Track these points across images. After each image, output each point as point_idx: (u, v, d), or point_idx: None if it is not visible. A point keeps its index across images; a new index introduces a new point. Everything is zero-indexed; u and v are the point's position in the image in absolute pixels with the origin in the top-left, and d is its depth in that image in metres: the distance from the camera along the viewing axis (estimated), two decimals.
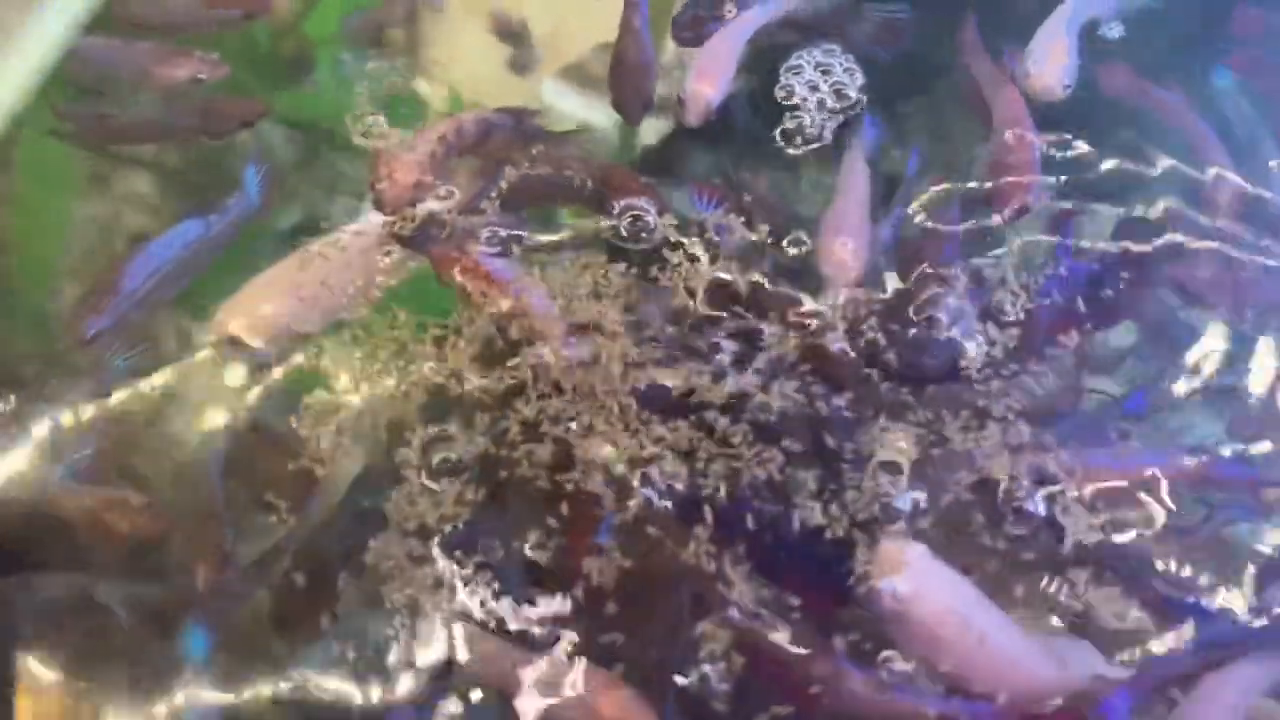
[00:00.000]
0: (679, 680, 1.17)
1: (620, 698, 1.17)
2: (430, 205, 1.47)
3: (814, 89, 1.65)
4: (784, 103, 1.63)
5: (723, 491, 1.26)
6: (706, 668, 1.18)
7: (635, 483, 1.27)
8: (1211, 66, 1.74)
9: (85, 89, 1.63)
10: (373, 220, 1.48)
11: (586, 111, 1.71)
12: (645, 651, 1.21)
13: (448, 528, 1.27)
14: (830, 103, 1.64)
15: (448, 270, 1.42)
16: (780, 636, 1.18)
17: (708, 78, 1.58)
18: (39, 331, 1.49)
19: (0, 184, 1.61)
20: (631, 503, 1.26)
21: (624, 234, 1.47)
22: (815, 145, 1.60)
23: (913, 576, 1.18)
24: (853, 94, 1.64)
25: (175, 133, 1.62)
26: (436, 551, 1.25)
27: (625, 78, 1.63)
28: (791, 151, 1.61)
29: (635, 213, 1.49)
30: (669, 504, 1.27)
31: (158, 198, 1.63)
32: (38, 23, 1.58)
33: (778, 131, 1.61)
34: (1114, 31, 1.71)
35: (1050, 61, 1.62)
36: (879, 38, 1.72)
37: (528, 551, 1.25)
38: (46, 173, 1.63)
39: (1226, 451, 1.36)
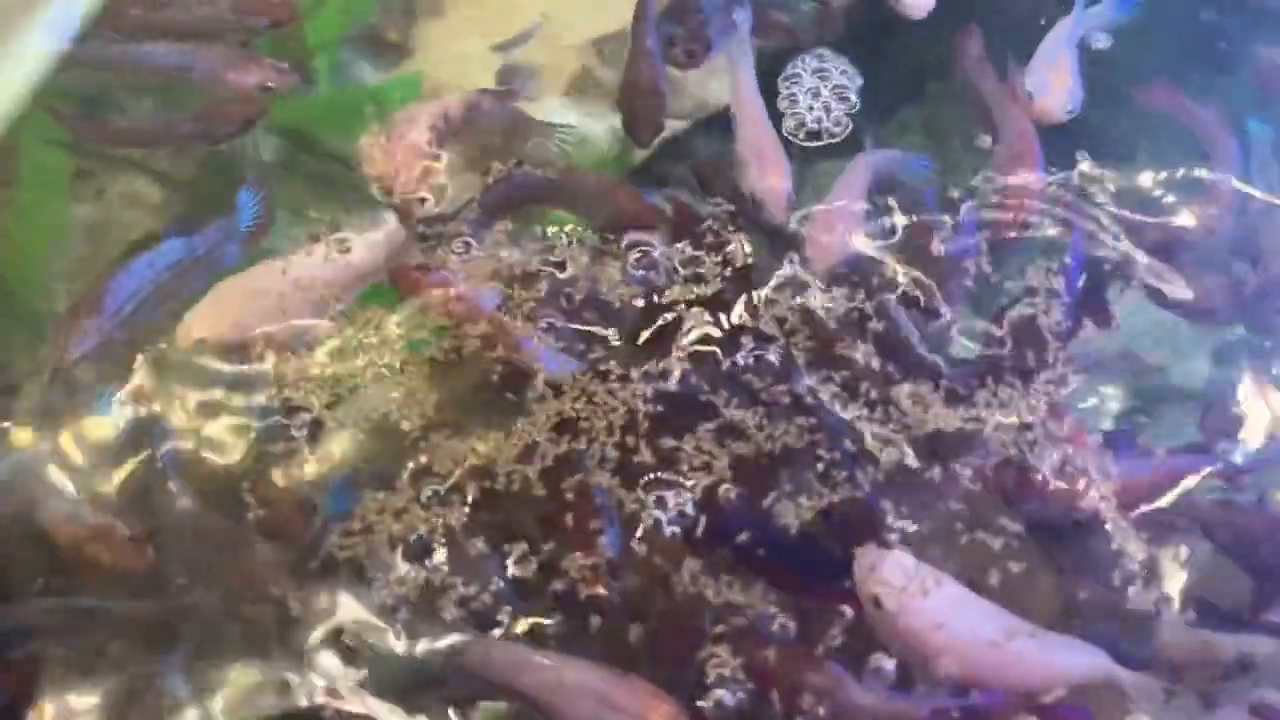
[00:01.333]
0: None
1: (668, 711, 1.15)
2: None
3: (816, 95, 1.63)
4: (789, 112, 1.61)
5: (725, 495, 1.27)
6: (720, 691, 1.18)
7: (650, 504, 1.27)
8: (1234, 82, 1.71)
9: (86, 96, 1.60)
10: (356, 231, 1.45)
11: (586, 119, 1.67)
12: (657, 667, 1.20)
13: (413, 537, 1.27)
14: (835, 106, 1.62)
15: (410, 285, 1.41)
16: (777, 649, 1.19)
17: (774, 170, 1.52)
18: (37, 336, 1.45)
19: (1, 190, 1.58)
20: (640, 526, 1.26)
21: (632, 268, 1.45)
22: (831, 143, 1.59)
23: (893, 584, 1.18)
24: (853, 96, 1.63)
25: (176, 138, 1.58)
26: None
27: (637, 101, 1.58)
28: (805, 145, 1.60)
29: (642, 248, 1.46)
30: (677, 529, 1.27)
31: (160, 205, 1.60)
32: (37, 28, 1.54)
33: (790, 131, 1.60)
34: (1100, 42, 1.67)
35: (1053, 85, 1.57)
36: (818, 16, 1.71)
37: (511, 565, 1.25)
38: (47, 179, 1.59)
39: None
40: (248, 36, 1.63)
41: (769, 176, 1.51)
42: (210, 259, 1.44)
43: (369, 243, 1.45)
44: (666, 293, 1.41)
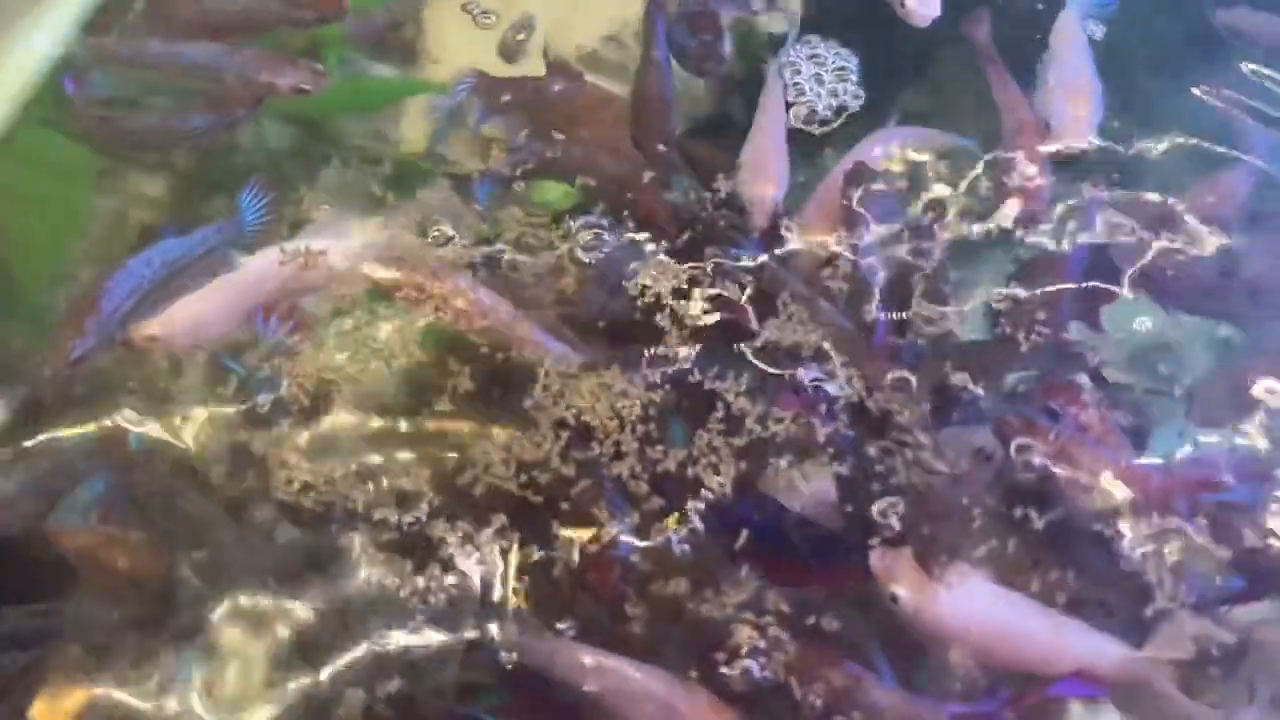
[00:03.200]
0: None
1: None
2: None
3: (819, 81, 1.60)
4: (799, 101, 1.59)
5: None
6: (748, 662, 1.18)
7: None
8: None
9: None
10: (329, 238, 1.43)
11: None
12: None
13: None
14: (839, 89, 1.59)
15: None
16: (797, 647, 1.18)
17: (768, 179, 1.49)
18: (41, 327, 1.43)
19: (4, 179, 1.57)
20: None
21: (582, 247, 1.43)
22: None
23: (908, 582, 1.20)
24: (855, 78, 1.60)
25: (190, 135, 1.56)
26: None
27: (646, 114, 1.56)
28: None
29: (595, 229, 1.44)
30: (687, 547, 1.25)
31: (166, 196, 1.59)
32: (41, 19, 1.54)
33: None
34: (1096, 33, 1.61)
35: (1071, 115, 1.50)
36: None
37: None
38: (52, 170, 1.58)
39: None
40: (296, 28, 1.61)
41: (761, 183, 1.48)
42: (210, 259, 1.42)
43: (345, 250, 1.43)
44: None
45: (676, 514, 1.25)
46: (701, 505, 1.25)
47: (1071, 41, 1.58)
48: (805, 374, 1.33)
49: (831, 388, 1.32)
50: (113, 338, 1.35)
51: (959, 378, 1.35)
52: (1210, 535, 1.23)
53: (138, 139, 1.59)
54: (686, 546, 1.24)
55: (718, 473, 1.27)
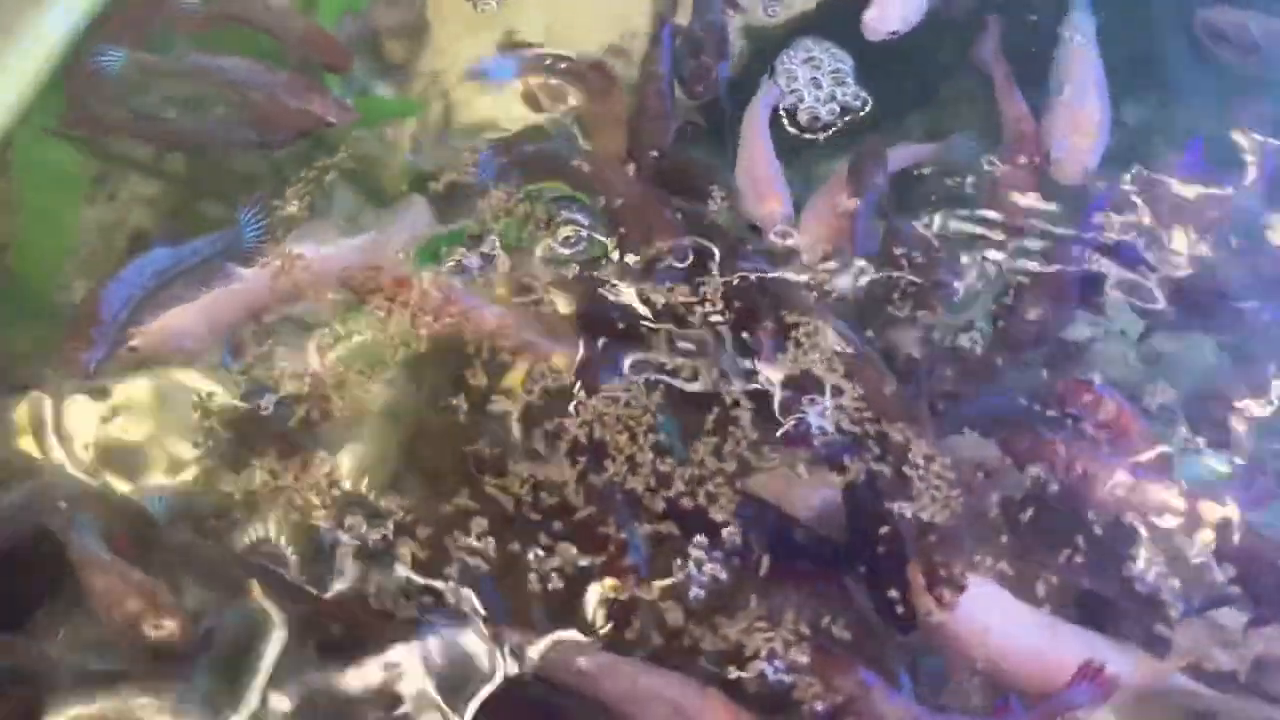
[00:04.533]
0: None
1: None
2: None
3: (816, 85, 1.61)
4: (800, 107, 1.59)
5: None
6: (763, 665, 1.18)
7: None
8: None
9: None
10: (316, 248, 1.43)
11: None
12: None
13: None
14: (839, 93, 1.59)
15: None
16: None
17: (771, 196, 1.49)
18: (42, 329, 1.44)
19: (3, 184, 1.55)
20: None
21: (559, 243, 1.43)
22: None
23: (928, 596, 1.19)
24: (850, 81, 1.60)
25: (230, 142, 1.56)
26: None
27: (643, 124, 1.55)
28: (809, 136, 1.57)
29: (573, 226, 1.44)
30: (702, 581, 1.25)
31: (164, 201, 1.58)
32: (42, 23, 1.53)
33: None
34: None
35: (1075, 147, 1.48)
36: None
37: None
38: (59, 177, 1.58)
39: None
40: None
41: (767, 202, 1.48)
42: (207, 269, 1.42)
43: (323, 255, 1.43)
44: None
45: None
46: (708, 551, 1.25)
47: (1080, 61, 1.57)
48: (813, 410, 1.33)
49: (814, 419, 1.32)
50: (119, 345, 1.36)
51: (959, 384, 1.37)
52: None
53: (180, 138, 1.60)
54: (703, 592, 1.23)
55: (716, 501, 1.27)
